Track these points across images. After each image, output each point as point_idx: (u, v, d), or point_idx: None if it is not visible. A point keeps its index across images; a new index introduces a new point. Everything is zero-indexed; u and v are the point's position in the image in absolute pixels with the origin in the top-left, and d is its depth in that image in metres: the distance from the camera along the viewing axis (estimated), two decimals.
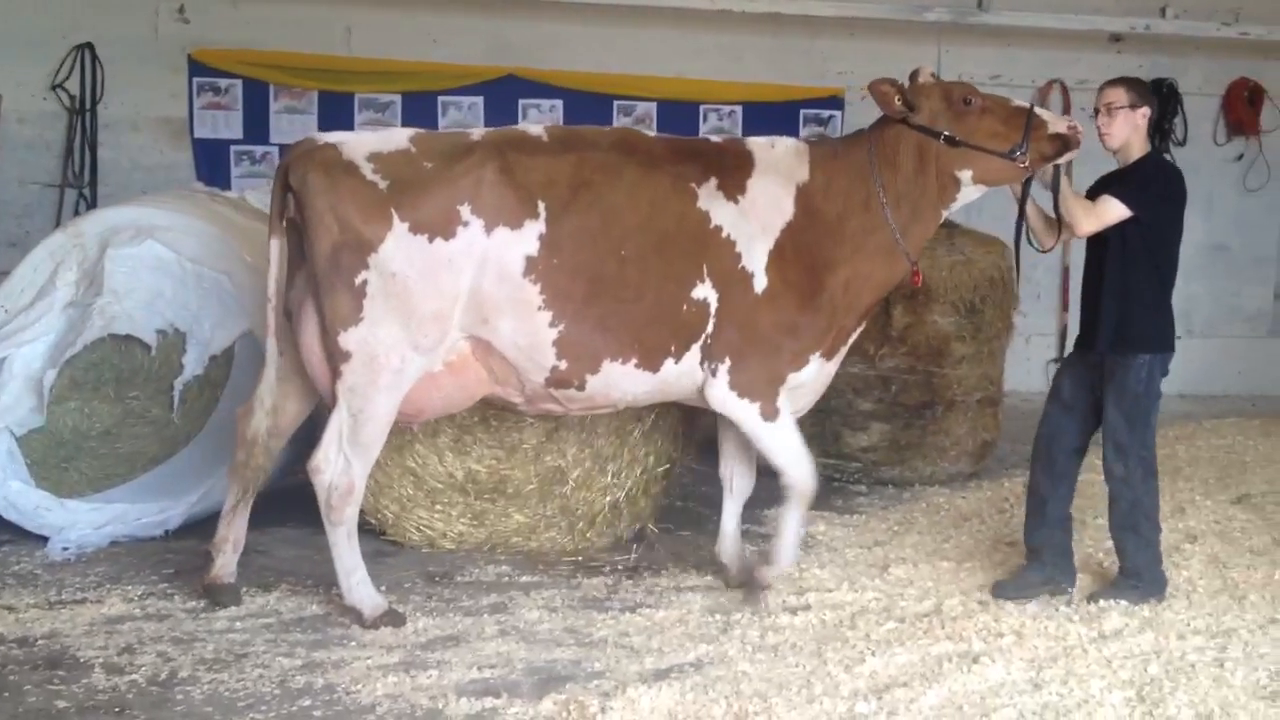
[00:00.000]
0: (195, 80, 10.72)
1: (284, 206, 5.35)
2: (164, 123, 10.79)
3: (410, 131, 5.48)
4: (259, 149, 10.80)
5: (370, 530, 6.50)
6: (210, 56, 10.68)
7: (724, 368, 5.58)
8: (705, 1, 11.09)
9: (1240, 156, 12.59)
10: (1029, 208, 5.87)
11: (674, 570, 6.32)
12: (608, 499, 6.64)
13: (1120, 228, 5.72)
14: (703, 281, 5.51)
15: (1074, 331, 12.04)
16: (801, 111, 11.97)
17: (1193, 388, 12.22)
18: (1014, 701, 4.71)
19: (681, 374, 5.62)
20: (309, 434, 6.68)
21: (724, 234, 5.54)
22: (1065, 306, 12.32)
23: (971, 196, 5.76)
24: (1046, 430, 6.09)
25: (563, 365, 5.44)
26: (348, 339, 5.21)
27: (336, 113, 10.86)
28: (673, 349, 5.55)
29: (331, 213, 5.16)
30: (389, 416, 5.35)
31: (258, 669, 4.89)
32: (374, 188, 5.19)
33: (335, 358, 5.27)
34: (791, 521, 5.83)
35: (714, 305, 5.54)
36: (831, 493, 8.01)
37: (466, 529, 6.54)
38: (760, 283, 5.55)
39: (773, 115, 11.66)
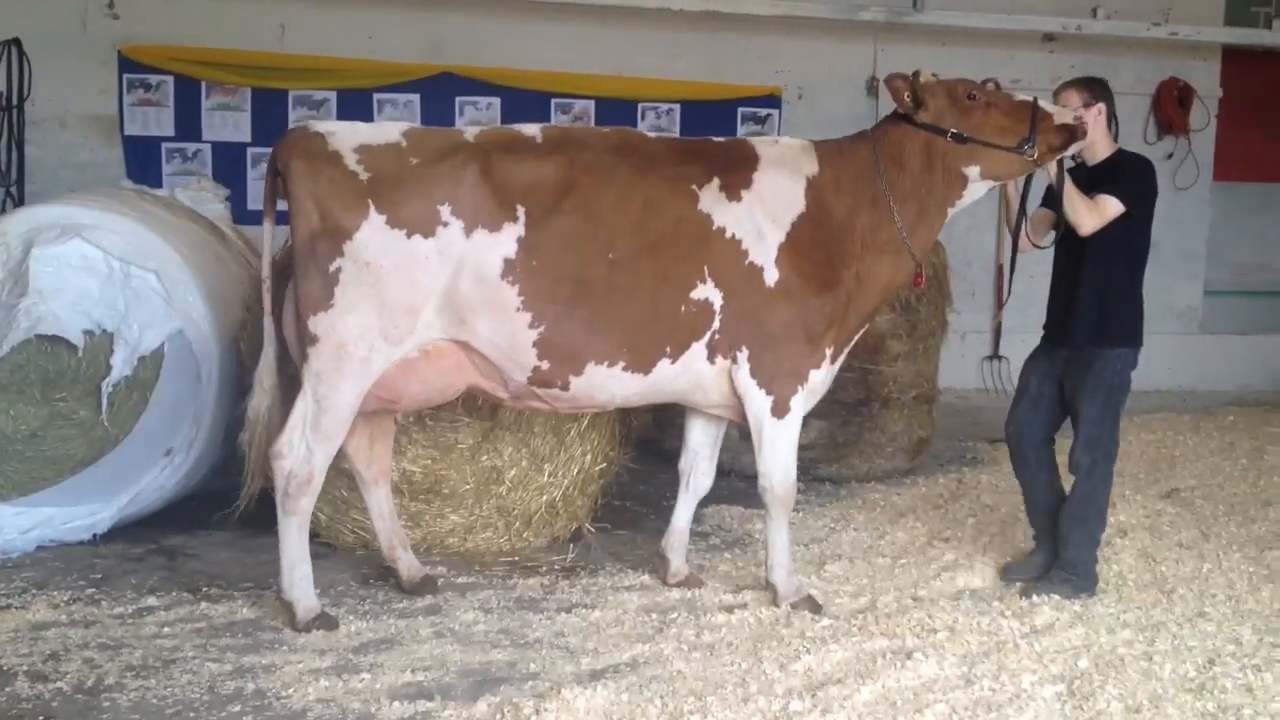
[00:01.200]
0: (125, 77, 10.56)
1: (275, 191, 5.43)
2: (93, 120, 10.62)
3: (404, 126, 5.49)
4: (191, 146, 10.67)
5: None
6: (140, 53, 10.52)
7: (743, 356, 5.56)
8: None
9: (1170, 155, 12.77)
10: (1015, 202, 5.92)
11: (611, 570, 6.31)
12: (544, 499, 6.62)
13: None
14: (704, 282, 5.47)
15: (1011, 328, 12.21)
16: (739, 110, 11.99)
17: None
18: (946, 697, 4.74)
19: (677, 374, 5.59)
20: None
21: (728, 233, 5.49)
22: (1000, 304, 12.43)
23: (978, 194, 5.74)
24: (1014, 428, 6.23)
25: (544, 366, 5.41)
26: (317, 323, 5.23)
27: (270, 110, 10.75)
28: (668, 350, 5.51)
29: (311, 200, 5.22)
30: (353, 406, 5.33)
31: (186, 675, 4.82)
32: (354, 178, 5.23)
33: (304, 341, 5.29)
34: (777, 532, 5.79)
35: (718, 304, 5.50)
36: None
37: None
38: (772, 276, 5.52)
39: (711, 113, 11.70)
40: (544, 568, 6.31)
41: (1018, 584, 6.10)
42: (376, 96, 11.01)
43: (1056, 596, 5.83)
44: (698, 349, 5.54)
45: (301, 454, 5.30)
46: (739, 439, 8.31)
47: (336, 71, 10.88)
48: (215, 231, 7.47)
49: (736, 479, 8.28)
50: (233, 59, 10.66)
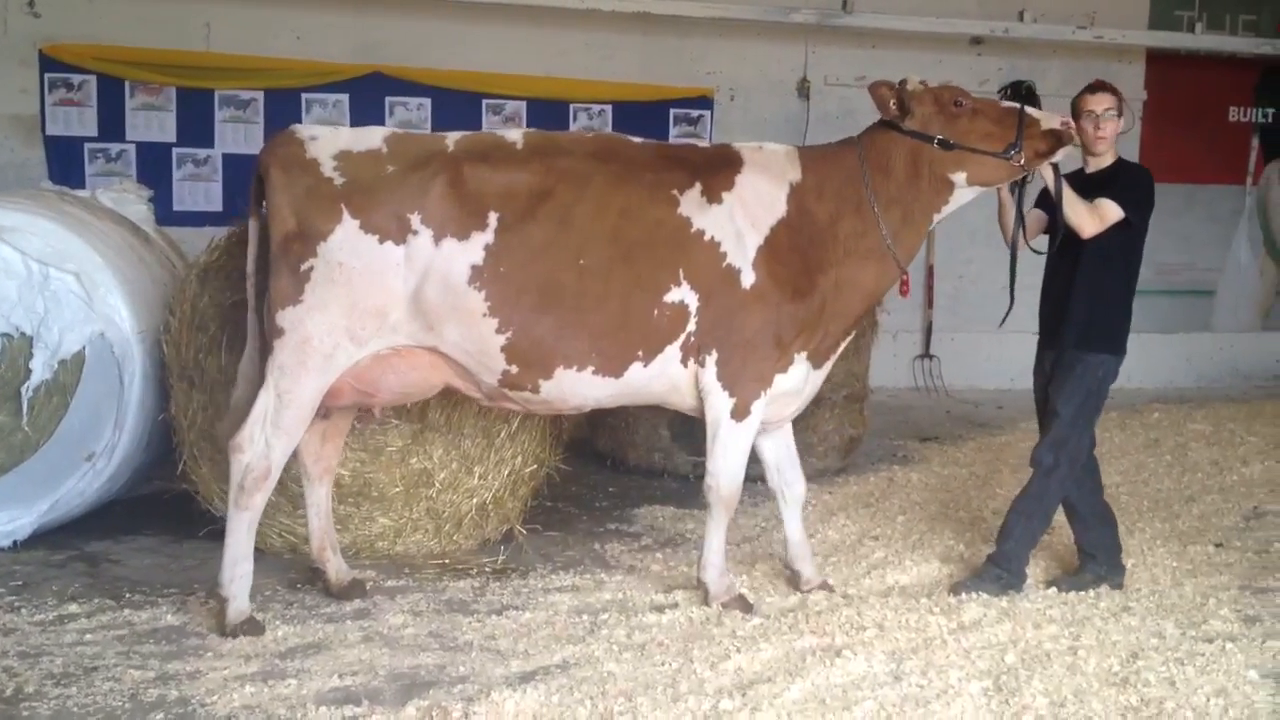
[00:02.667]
0: (47, 76, 10.42)
1: (259, 194, 5.49)
2: (14, 120, 10.45)
3: (387, 131, 5.58)
4: (114, 146, 10.53)
5: None
6: (62, 52, 10.37)
7: (711, 359, 5.56)
8: (574, 0, 11.07)
9: None
10: (1009, 208, 5.90)
11: (542, 571, 6.28)
12: (475, 501, 6.58)
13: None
14: (678, 285, 5.48)
15: (941, 327, 12.31)
16: (671, 111, 12.02)
17: None
18: (875, 694, 4.76)
19: (652, 378, 5.59)
20: (164, 441, 6.54)
21: (707, 235, 5.50)
22: (930, 303, 12.55)
23: (965, 199, 5.75)
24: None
25: (513, 370, 5.45)
26: (284, 316, 5.30)
27: (196, 109, 10.65)
28: (640, 354, 5.52)
29: (288, 206, 5.33)
30: (313, 402, 5.37)
31: (108, 682, 4.73)
32: (330, 184, 5.33)
33: (271, 334, 5.35)
34: (715, 532, 5.80)
35: (694, 306, 5.50)
36: (701, 490, 8.03)
37: None
38: (748, 279, 5.52)
39: (643, 115, 11.71)
40: (474, 570, 6.27)
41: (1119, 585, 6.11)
42: (305, 96, 10.93)
43: (984, 595, 5.87)
44: (671, 352, 5.55)
45: (260, 448, 5.33)
46: (670, 440, 8.35)
47: (263, 71, 10.78)
48: (138, 233, 7.35)
49: (669, 479, 8.30)
50: (157, 58, 10.53)
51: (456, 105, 11.10)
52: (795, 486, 6.14)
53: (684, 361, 5.58)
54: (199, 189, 10.67)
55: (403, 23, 11.08)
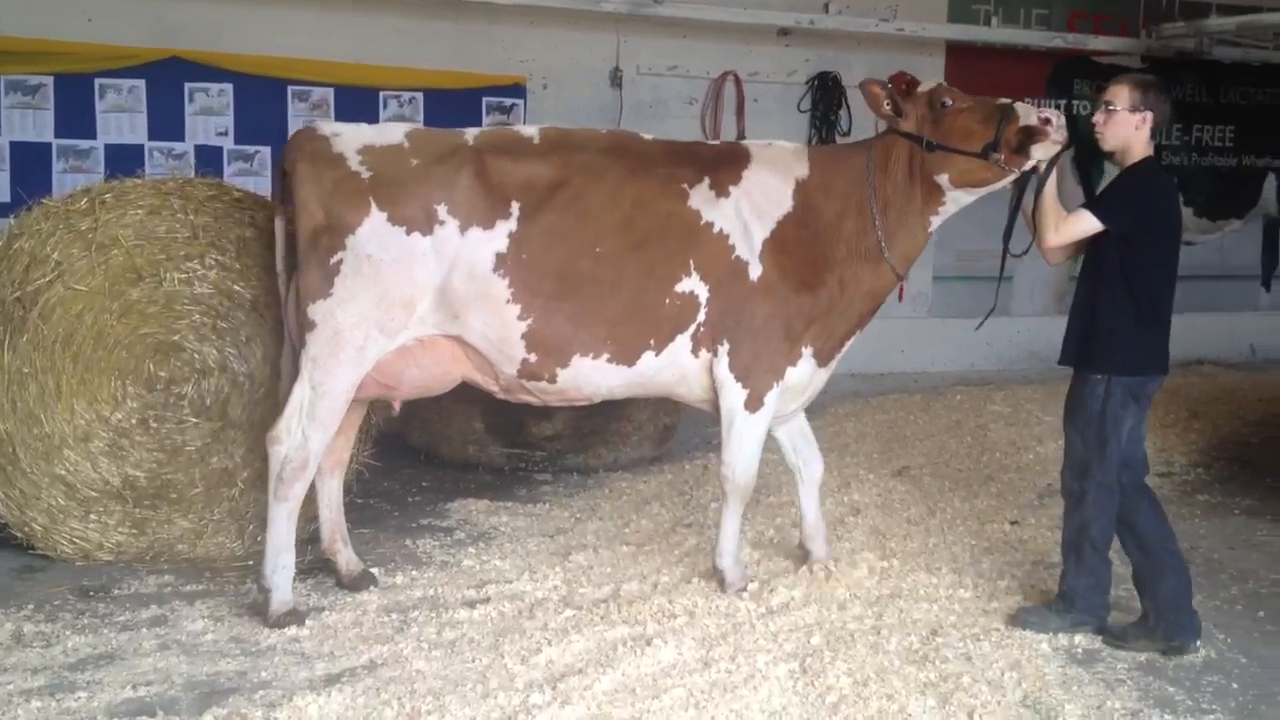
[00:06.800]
0: None
1: (283, 189, 5.58)
2: None
3: (408, 127, 5.73)
4: None
5: (17, 545, 6.06)
6: None
7: (724, 350, 5.67)
8: None
9: None
10: (1022, 210, 5.64)
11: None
12: None
13: (1095, 241, 5.39)
14: (689, 275, 5.60)
15: None
16: (484, 99, 11.89)
17: (861, 367, 12.81)
18: (684, 681, 4.81)
19: (662, 367, 5.71)
20: None
21: (715, 228, 5.63)
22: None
23: (963, 202, 5.73)
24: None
25: (533, 358, 5.57)
26: (315, 310, 5.41)
27: None
28: (652, 343, 5.64)
29: (316, 199, 5.43)
30: (347, 393, 5.50)
31: None
32: (357, 177, 5.45)
33: (302, 328, 5.45)
34: (730, 521, 5.88)
35: (704, 297, 5.62)
36: (516, 482, 8.02)
37: (125, 538, 6.16)
38: (755, 271, 5.63)
39: (455, 102, 11.54)
40: None
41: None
42: (98, 81, 10.40)
43: (1046, 628, 5.46)
44: (682, 341, 5.65)
45: (297, 439, 5.44)
46: (484, 432, 8.28)
47: (52, 55, 10.21)
48: None
49: (484, 472, 8.23)
50: None
51: (260, 91, 10.74)
52: (813, 466, 6.25)
53: (694, 351, 5.68)
54: None
55: (201, 5, 10.68)
